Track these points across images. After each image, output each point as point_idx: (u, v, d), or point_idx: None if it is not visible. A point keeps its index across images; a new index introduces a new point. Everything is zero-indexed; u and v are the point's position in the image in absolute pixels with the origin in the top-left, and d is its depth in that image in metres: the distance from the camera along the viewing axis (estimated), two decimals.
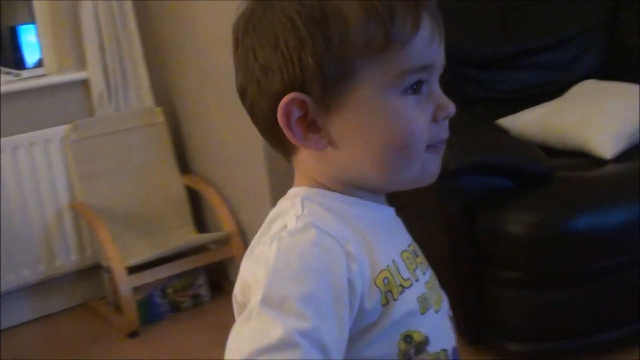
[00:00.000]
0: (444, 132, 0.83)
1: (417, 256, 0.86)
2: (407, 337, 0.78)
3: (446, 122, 0.83)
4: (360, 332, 0.76)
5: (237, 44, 0.83)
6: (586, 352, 2.37)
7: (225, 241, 3.25)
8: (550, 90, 2.99)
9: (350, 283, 0.73)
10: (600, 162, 2.52)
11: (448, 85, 0.85)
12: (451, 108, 0.82)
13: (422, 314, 0.80)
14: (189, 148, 3.52)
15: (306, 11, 0.76)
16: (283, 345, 0.67)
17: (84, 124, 3.31)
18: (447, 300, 0.91)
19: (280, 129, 0.80)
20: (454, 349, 0.86)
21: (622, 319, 2.37)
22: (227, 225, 3.22)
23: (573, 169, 2.51)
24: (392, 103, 0.78)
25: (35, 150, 3.27)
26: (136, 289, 3.06)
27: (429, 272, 0.88)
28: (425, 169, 0.82)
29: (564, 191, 2.37)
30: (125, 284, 3.01)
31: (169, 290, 3.18)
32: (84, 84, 3.41)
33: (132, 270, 3.04)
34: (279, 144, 0.84)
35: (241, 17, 0.83)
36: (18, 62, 3.86)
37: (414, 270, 0.83)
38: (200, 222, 3.47)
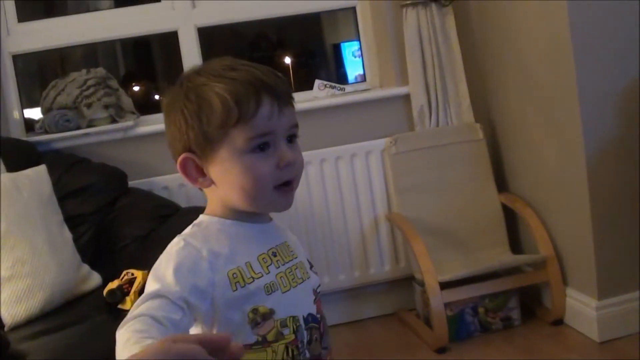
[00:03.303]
0: (286, 175, 1.22)
1: (275, 256, 1.26)
2: (254, 310, 1.19)
3: (289, 168, 1.22)
4: (225, 303, 1.17)
5: (164, 116, 1.27)
6: None
7: (540, 265, 3.14)
8: None
9: (203, 271, 1.17)
10: None
11: None
12: (289, 158, 1.21)
13: (268, 294, 1.20)
14: (506, 166, 3.46)
15: (189, 104, 1.20)
16: (147, 297, 1.11)
17: (404, 138, 3.38)
18: (316, 281, 1.33)
19: None
20: (309, 315, 1.27)
21: None
22: (544, 249, 3.11)
23: None
24: (242, 159, 1.20)
25: (356, 161, 3.40)
26: (447, 305, 3.05)
27: (289, 265, 1.27)
28: (275, 204, 1.25)
29: None
30: (438, 299, 3.00)
31: (480, 310, 3.13)
32: (405, 99, 3.48)
33: (444, 285, 3.03)
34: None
35: (162, 102, 1.27)
36: (340, 78, 4.02)
37: (268, 266, 1.23)
38: (515, 243, 3.39)
